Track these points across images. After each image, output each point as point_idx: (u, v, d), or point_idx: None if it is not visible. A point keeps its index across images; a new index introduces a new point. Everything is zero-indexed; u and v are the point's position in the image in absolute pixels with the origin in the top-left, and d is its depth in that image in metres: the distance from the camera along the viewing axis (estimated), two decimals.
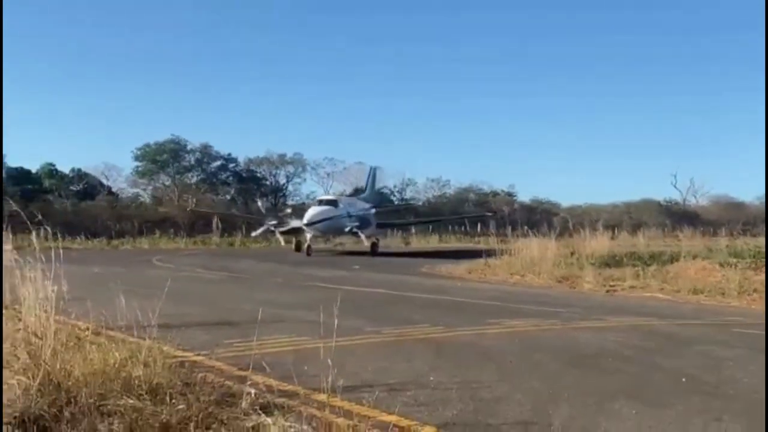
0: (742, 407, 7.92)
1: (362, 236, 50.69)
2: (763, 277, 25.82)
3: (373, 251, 50.26)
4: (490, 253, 34.45)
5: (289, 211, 57.38)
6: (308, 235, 48.34)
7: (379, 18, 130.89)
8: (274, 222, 52.53)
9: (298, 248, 51.42)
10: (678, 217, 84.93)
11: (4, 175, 74.14)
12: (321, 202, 50.53)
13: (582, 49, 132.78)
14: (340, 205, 51.27)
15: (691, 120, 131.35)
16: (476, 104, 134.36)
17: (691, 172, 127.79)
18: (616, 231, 43.51)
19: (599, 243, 35.48)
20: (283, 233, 52.49)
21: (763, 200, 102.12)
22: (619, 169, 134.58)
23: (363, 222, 51.68)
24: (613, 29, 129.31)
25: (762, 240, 42.65)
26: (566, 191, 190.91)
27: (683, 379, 9.38)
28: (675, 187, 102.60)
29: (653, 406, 7.91)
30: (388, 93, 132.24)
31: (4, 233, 9.20)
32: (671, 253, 32.65)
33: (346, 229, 50.87)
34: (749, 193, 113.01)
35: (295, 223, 50.98)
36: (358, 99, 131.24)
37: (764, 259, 29.16)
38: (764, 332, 14.22)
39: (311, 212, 47.71)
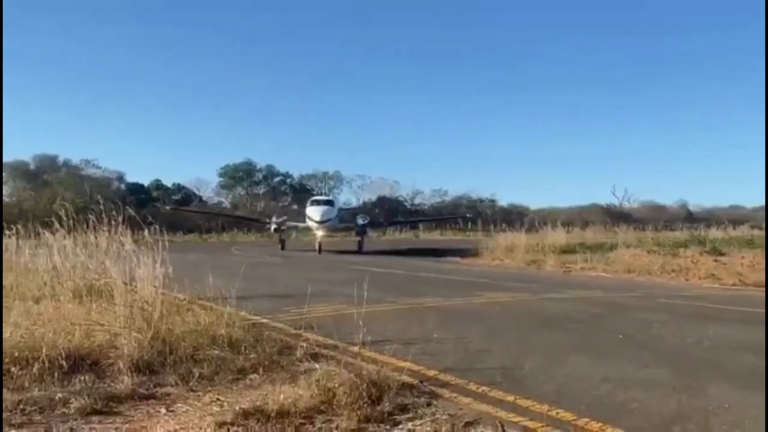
0: (664, 357, 7.84)
1: (368, 233, 42.29)
2: (680, 260, 25.61)
3: (360, 248, 38.94)
4: (476, 245, 34.38)
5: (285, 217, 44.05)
6: (320, 233, 38.33)
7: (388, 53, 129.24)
8: (279, 221, 41.87)
9: (282, 246, 41.12)
10: (616, 216, 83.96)
11: (124, 188, 74.83)
12: (319, 203, 40.49)
13: (543, 84, 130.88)
14: (336, 205, 42.60)
15: (625, 142, 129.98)
16: (467, 127, 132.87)
17: (626, 183, 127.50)
18: (570, 227, 43.09)
19: (558, 236, 35.19)
20: (276, 230, 42.01)
21: (681, 204, 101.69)
22: (573, 180, 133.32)
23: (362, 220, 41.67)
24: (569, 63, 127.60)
25: (677, 234, 42.25)
26: (534, 197, 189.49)
27: (620, 336, 9.30)
28: (614, 194, 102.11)
29: (599, 357, 7.85)
30: (402, 119, 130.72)
31: (125, 230, 9.26)
32: (611, 243, 32.46)
33: (353, 227, 41.53)
34: (669, 198, 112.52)
35: (291, 222, 42.81)
36: (382, 126, 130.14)
37: (691, 247, 28.91)
38: (682, 302, 14.12)
39: (320, 211, 38.25)
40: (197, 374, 6.23)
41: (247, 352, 6.94)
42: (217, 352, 6.84)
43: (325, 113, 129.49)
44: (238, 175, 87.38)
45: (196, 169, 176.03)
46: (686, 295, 15.39)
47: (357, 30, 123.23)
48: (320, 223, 37.83)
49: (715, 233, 40.32)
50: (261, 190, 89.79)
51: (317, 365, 6.14)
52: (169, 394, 5.81)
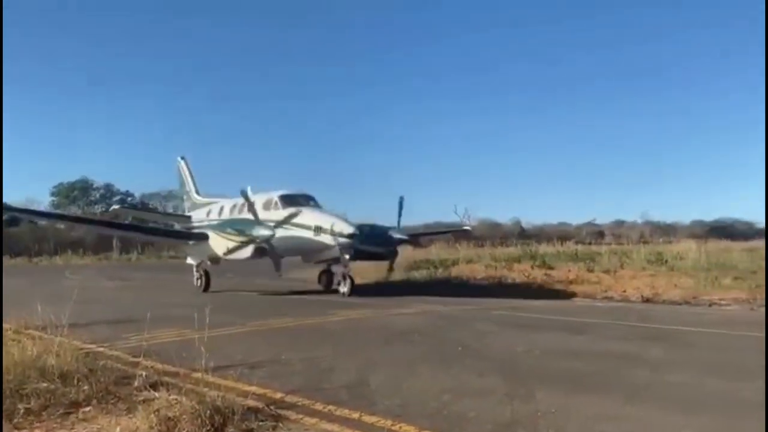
0: (498, 366, 8.27)
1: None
2: (514, 274, 27.28)
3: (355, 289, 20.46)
4: None
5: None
6: (347, 257, 19.95)
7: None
8: (266, 234, 19.90)
9: (207, 284, 22.48)
10: (457, 234, 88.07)
11: None
12: (294, 200, 21.38)
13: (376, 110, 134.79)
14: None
15: (463, 164, 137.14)
16: (322, 142, 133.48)
17: (465, 203, 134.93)
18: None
19: (405, 253, 36.21)
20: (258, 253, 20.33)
21: (515, 221, 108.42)
22: (418, 201, 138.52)
23: None
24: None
25: (512, 249, 44.90)
26: (383, 216, 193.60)
27: (460, 348, 9.73)
28: (455, 213, 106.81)
29: (440, 368, 8.15)
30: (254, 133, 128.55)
31: None
32: (453, 259, 33.87)
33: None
34: (504, 216, 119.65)
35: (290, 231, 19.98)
36: (231, 143, 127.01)
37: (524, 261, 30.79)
38: (515, 313, 15.02)
39: (335, 217, 20.46)
40: (22, 410, 5.72)
41: (79, 383, 6.46)
42: (45, 384, 6.32)
43: (168, 128, 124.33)
44: (73, 193, 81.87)
45: (26, 187, 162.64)
46: (519, 306, 16.42)
47: (201, 41, 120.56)
48: (351, 237, 19.62)
49: (545, 248, 43.36)
50: (98, 209, 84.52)
51: (157, 394, 5.86)
52: None
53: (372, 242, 20.48)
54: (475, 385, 7.13)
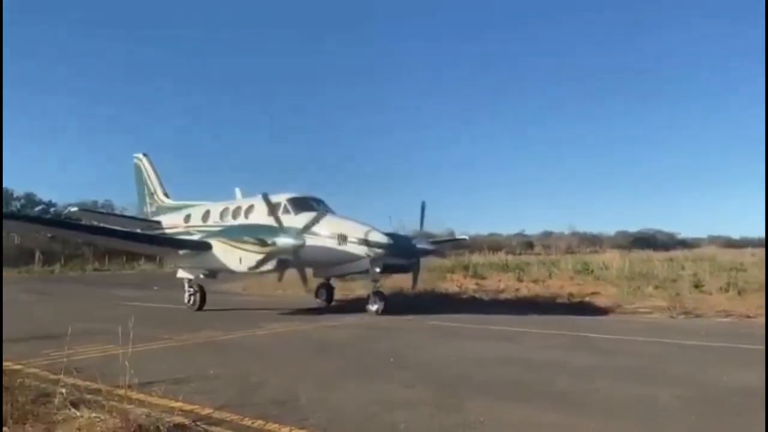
0: (429, 377, 8.39)
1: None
2: (447, 284, 27.63)
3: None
4: None
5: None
6: (377, 270, 17.36)
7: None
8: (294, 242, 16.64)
9: (202, 302, 19.50)
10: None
11: None
12: (304, 204, 18.69)
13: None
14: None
15: (399, 176, 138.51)
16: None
17: (399, 214, 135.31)
18: None
19: None
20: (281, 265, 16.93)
21: (449, 232, 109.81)
22: (351, 212, 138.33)
23: None
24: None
25: (445, 260, 45.36)
26: None
27: (392, 359, 9.79)
28: (390, 224, 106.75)
29: (371, 380, 8.20)
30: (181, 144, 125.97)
31: None
32: None
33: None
34: (438, 227, 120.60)
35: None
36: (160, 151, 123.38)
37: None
38: (447, 323, 15.20)
39: (368, 226, 17.43)
40: None
41: None
42: None
43: (95, 136, 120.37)
44: None
45: None
46: (453, 317, 16.62)
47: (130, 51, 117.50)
48: (385, 248, 17.25)
49: (477, 258, 44.08)
50: None
51: (78, 412, 5.66)
52: None
53: (395, 253, 17.75)
54: (405, 396, 7.19)
